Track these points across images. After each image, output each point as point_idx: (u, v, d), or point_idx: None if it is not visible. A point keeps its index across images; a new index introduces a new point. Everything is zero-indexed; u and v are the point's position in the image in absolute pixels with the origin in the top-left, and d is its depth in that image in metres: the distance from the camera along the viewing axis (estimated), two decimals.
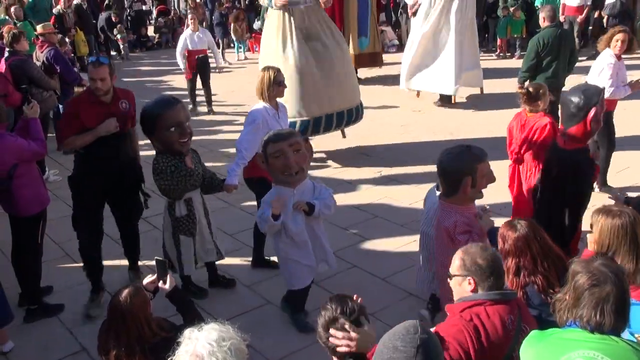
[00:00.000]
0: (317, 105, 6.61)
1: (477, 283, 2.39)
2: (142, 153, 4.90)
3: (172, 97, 4.06)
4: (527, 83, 6.89)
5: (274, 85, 4.46)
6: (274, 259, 4.51)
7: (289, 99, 6.24)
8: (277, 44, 6.65)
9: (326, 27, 6.82)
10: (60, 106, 7.55)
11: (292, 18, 6.58)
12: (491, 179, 3.24)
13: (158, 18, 16.64)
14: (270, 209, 3.63)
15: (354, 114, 7.02)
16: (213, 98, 9.76)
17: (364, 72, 11.38)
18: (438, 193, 3.54)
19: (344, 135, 7.67)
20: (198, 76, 9.41)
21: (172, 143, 3.92)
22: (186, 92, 10.04)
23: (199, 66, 9.25)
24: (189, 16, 9.45)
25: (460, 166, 3.17)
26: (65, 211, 5.95)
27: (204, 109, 9.69)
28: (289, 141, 3.63)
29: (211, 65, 9.64)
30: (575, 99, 3.61)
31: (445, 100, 9.05)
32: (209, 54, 9.56)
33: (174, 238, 4.13)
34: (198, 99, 9.72)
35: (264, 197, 3.79)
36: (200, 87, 9.51)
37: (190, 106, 9.25)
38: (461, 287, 2.43)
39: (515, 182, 4.85)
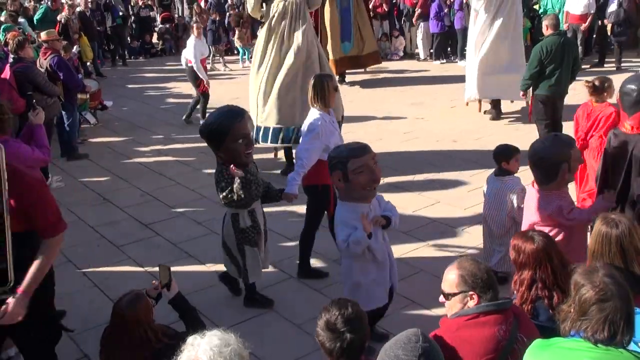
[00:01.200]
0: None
1: (480, 297, 2.38)
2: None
3: (238, 108, 4.01)
4: (529, 91, 6.96)
5: (330, 91, 4.48)
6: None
7: (278, 106, 6.63)
8: (270, 49, 6.76)
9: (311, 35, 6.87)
10: (64, 113, 7.58)
11: (275, 24, 6.70)
12: (580, 161, 3.52)
13: (161, 25, 16.70)
14: (352, 228, 3.42)
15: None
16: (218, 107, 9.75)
17: (366, 80, 11.41)
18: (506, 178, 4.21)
19: None
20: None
21: (240, 154, 3.90)
22: (188, 100, 10.06)
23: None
24: (195, 25, 9.26)
25: (557, 154, 3.36)
26: (68, 217, 5.97)
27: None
28: (371, 154, 3.49)
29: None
30: (635, 87, 3.52)
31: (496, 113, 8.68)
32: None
33: (239, 248, 4.11)
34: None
35: (340, 218, 3.51)
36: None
37: (184, 116, 9.25)
38: (462, 304, 2.40)
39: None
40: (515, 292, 2.84)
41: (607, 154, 3.66)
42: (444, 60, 13.03)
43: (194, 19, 15.37)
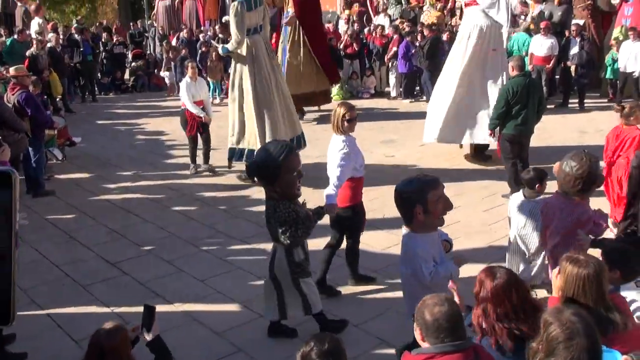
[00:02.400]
0: (283, 132, 7.63)
1: (424, 335, 2.42)
2: None
3: (288, 142, 4.09)
4: (497, 130, 7.10)
5: (349, 118, 4.80)
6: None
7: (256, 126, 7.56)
8: (245, 74, 7.60)
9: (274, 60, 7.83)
10: (30, 149, 7.47)
11: (258, 49, 7.64)
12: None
13: (132, 62, 16.70)
14: (432, 260, 3.50)
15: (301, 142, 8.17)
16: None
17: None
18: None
19: None
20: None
21: (293, 187, 3.97)
22: (158, 137, 10.05)
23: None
24: (190, 64, 8.46)
25: (596, 170, 3.90)
26: (32, 256, 5.85)
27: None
28: (442, 184, 3.60)
29: None
30: None
31: (480, 156, 8.59)
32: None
33: (295, 283, 4.07)
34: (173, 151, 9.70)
35: (419, 252, 3.52)
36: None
37: (192, 166, 8.44)
38: (415, 332, 2.49)
39: (609, 182, 5.84)
40: (474, 325, 2.86)
41: (632, 173, 4.36)
42: (413, 100, 13.23)
43: (164, 56, 15.42)
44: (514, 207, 4.85)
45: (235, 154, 7.99)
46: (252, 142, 7.71)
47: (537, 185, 4.76)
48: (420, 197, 3.46)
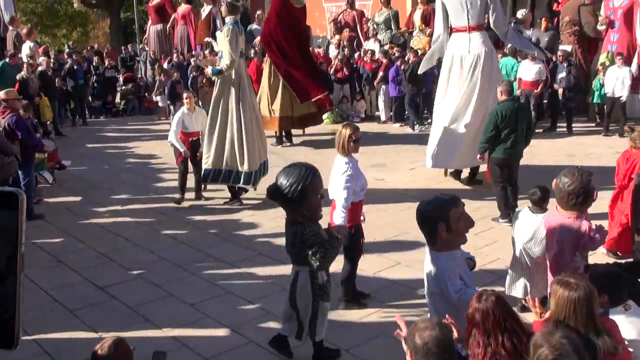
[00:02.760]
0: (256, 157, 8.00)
1: (413, 359, 2.43)
2: None
3: (311, 165, 4.06)
4: (485, 153, 7.15)
5: (355, 139, 4.98)
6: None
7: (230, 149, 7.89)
8: (231, 95, 7.90)
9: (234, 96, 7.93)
10: (20, 172, 7.45)
11: (243, 72, 8.01)
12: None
13: (124, 85, 16.73)
14: (458, 278, 3.51)
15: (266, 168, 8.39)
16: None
17: (327, 140, 11.52)
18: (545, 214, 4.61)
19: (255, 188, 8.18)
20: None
21: (318, 210, 4.00)
22: (149, 160, 10.05)
23: (192, 150, 8.20)
24: (185, 94, 8.34)
25: (587, 185, 4.00)
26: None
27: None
28: (462, 202, 3.64)
29: None
30: None
31: (472, 180, 8.62)
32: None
33: (314, 306, 4.04)
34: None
35: (445, 270, 3.54)
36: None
37: (178, 196, 8.19)
38: (407, 355, 2.51)
39: (616, 205, 6.04)
40: (469, 351, 2.86)
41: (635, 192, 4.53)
42: (403, 123, 13.31)
43: (157, 79, 15.46)
44: (521, 221, 4.94)
45: (210, 175, 7.99)
46: (232, 163, 7.88)
47: (543, 203, 4.95)
48: (442, 215, 3.49)
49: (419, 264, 5.92)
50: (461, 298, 3.43)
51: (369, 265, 5.92)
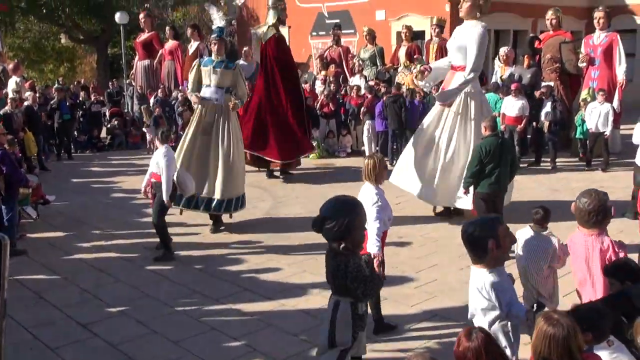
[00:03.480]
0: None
1: None
2: None
3: (356, 199, 4.12)
4: (471, 189, 7.20)
5: (381, 168, 5.29)
6: None
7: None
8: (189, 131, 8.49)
9: (225, 125, 8.44)
10: (3, 207, 7.37)
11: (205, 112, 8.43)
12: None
13: (110, 120, 16.73)
14: (510, 293, 3.73)
15: (240, 202, 8.49)
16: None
17: (313, 175, 11.57)
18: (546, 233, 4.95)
19: (230, 216, 8.52)
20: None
21: (362, 243, 4.06)
22: (134, 195, 9.99)
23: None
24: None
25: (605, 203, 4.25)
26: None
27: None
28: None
29: None
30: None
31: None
32: None
33: (354, 337, 3.96)
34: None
35: (498, 286, 3.68)
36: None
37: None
38: None
39: None
40: None
41: None
42: (388, 158, 13.37)
43: (144, 120, 15.45)
44: (522, 241, 5.11)
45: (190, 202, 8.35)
46: (209, 190, 8.30)
47: (545, 222, 5.19)
48: (492, 232, 3.70)
49: (406, 299, 5.92)
50: (511, 311, 3.71)
51: None
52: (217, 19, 9.01)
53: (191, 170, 8.09)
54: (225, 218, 8.54)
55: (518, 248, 5.15)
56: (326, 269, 3.99)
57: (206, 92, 8.49)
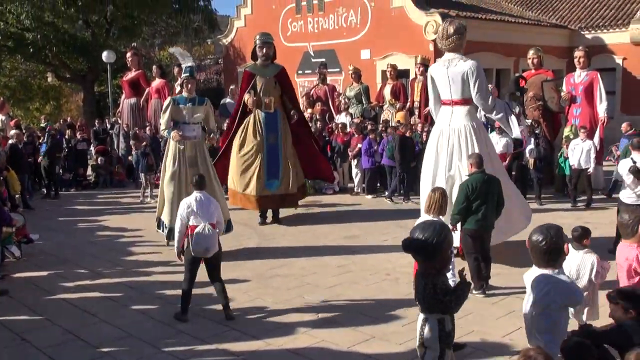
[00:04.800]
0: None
1: None
2: None
3: (443, 222, 4.48)
4: (458, 225, 7.21)
5: (444, 201, 5.87)
6: None
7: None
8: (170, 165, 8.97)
9: (205, 158, 9.11)
10: None
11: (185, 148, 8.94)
12: None
13: (96, 158, 16.68)
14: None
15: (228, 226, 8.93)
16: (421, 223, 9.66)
17: (300, 213, 11.56)
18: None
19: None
20: None
21: (449, 263, 4.38)
22: (119, 233, 9.92)
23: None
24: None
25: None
26: None
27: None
28: None
29: None
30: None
31: None
32: None
33: (440, 353, 4.07)
34: None
35: (569, 282, 4.21)
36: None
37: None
38: None
39: None
40: None
41: None
42: (375, 195, 13.43)
43: (133, 152, 15.43)
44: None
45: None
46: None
47: (584, 240, 5.56)
48: (565, 238, 4.24)
49: (394, 337, 5.86)
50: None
51: (342, 339, 5.83)
52: (185, 60, 9.23)
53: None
54: None
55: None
56: (416, 289, 4.21)
57: (184, 129, 8.93)
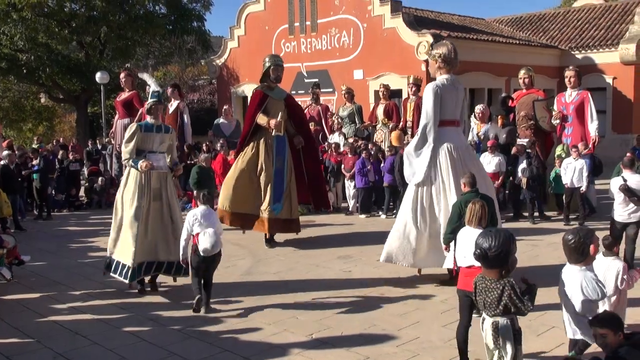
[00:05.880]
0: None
1: None
2: None
3: (508, 230, 4.82)
4: (451, 244, 7.20)
5: (484, 212, 6.00)
6: None
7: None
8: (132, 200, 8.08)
9: (169, 190, 8.32)
10: None
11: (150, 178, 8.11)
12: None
13: (90, 178, 16.64)
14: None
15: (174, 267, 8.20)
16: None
17: (298, 237, 11.54)
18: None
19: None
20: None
21: (514, 265, 4.75)
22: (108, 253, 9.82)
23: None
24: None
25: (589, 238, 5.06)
26: None
27: None
28: None
29: None
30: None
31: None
32: None
33: (515, 352, 4.58)
34: None
35: (595, 277, 4.96)
36: None
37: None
38: None
39: None
40: None
41: None
42: (369, 215, 13.43)
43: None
44: (596, 264, 5.54)
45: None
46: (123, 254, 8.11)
47: (614, 248, 5.89)
48: (593, 237, 4.96)
49: (389, 358, 5.83)
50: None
51: None
52: (153, 84, 8.64)
53: (149, 237, 8.05)
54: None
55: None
56: (489, 294, 4.57)
57: (151, 158, 8.08)
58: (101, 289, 8.49)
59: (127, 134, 8.18)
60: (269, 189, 10.46)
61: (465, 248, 5.68)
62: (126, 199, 8.09)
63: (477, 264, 4.95)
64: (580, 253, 4.89)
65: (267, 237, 10.87)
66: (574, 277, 4.94)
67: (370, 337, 6.41)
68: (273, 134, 10.49)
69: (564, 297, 5.05)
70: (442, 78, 8.30)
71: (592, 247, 4.89)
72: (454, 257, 6.62)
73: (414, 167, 8.28)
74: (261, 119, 10.56)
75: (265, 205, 10.40)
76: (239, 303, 7.71)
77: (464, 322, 5.49)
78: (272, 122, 10.42)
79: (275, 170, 10.55)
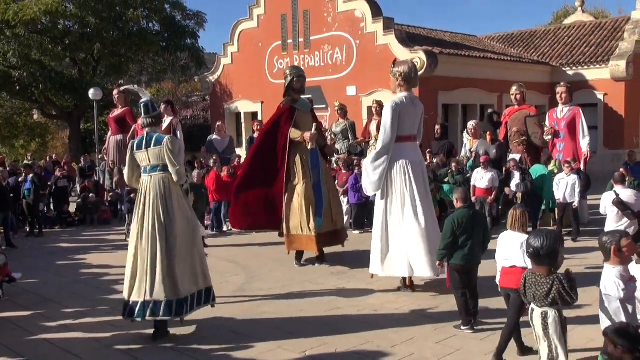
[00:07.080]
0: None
1: None
2: None
3: (553, 230, 5.03)
4: (444, 260, 7.21)
5: (525, 219, 6.34)
6: None
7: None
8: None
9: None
10: None
11: (150, 188, 7.11)
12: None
13: (82, 194, 16.57)
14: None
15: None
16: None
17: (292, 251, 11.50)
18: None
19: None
20: None
21: (562, 262, 5.13)
22: (104, 271, 9.78)
23: None
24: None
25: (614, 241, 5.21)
26: None
27: None
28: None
29: None
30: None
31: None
32: None
33: (562, 338, 5.00)
34: None
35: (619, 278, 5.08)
36: None
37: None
38: None
39: None
40: None
41: None
42: (362, 231, 13.42)
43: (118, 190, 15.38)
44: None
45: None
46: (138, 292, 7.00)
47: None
48: (617, 239, 5.12)
49: None
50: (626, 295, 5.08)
51: None
52: (143, 95, 7.91)
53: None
54: None
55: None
56: (531, 289, 5.04)
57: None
58: (92, 306, 8.42)
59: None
60: (312, 205, 10.12)
61: (507, 250, 6.19)
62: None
63: (520, 264, 5.95)
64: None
65: (318, 255, 10.44)
66: (605, 274, 5.18)
67: (365, 354, 6.38)
68: (309, 147, 10.14)
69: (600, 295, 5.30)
70: (401, 95, 8.60)
71: (613, 248, 5.08)
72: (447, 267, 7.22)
73: (370, 178, 8.64)
74: (294, 134, 10.13)
75: (312, 223, 10.02)
76: (232, 319, 7.66)
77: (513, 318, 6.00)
78: (307, 135, 10.03)
79: (313, 184, 10.26)
